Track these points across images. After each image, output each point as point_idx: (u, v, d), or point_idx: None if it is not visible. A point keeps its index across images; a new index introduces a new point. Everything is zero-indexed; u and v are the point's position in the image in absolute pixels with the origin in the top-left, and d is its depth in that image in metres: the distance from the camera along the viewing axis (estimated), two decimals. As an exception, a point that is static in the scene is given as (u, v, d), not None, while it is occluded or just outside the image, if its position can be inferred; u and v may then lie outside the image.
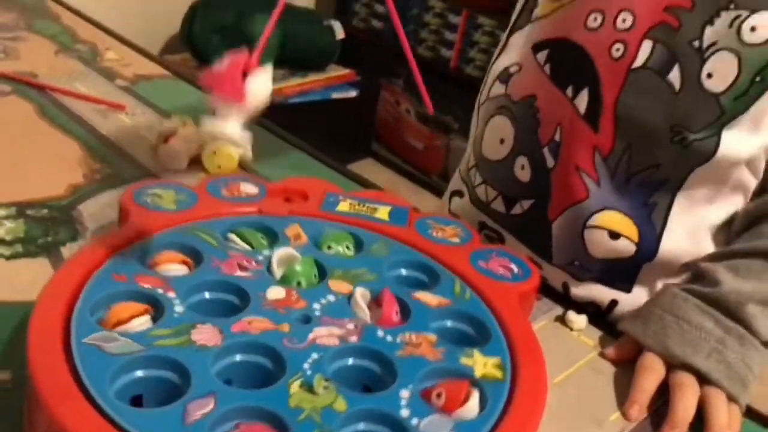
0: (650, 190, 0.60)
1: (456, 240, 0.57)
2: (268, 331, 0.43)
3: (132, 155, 0.73)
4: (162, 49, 1.91)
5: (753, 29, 0.53)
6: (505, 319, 0.48)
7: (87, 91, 0.85)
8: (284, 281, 0.48)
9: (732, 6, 0.54)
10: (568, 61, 0.61)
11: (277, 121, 0.86)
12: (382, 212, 0.59)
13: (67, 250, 0.57)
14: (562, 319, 0.60)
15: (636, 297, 0.63)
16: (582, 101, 0.60)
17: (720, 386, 0.52)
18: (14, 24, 1.03)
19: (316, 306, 0.46)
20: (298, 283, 0.49)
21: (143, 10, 1.79)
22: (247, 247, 0.52)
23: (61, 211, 0.62)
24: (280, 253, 0.50)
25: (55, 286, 0.43)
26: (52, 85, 0.85)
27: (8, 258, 0.55)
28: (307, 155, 0.81)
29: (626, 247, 0.61)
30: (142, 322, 0.42)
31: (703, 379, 0.52)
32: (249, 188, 0.59)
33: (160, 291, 0.44)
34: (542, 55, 0.63)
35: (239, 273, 0.48)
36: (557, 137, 0.61)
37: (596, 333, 0.59)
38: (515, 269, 0.55)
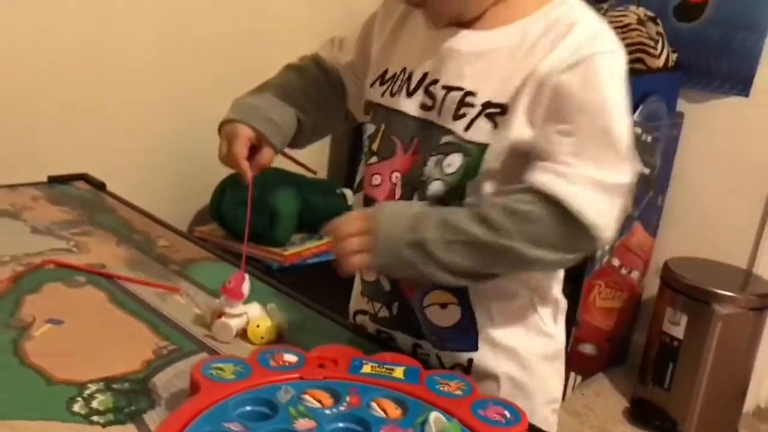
0: None
1: (459, 393, 0.70)
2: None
3: (190, 331, 0.87)
4: (192, 220, 2.10)
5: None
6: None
7: (146, 277, 1.00)
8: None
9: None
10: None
11: (298, 280, 1.01)
12: (398, 372, 0.73)
13: (149, 417, 0.69)
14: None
15: (482, 354, 0.83)
16: None
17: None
18: (79, 220, 1.21)
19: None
20: None
21: (177, 188, 1.99)
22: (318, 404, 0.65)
23: (139, 384, 0.75)
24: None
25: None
26: (118, 274, 1.00)
27: (104, 425, 0.68)
28: (328, 319, 0.95)
29: (455, 311, 0.82)
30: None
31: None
32: (290, 357, 0.73)
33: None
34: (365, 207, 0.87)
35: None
36: None
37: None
38: (508, 415, 0.67)
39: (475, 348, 0.84)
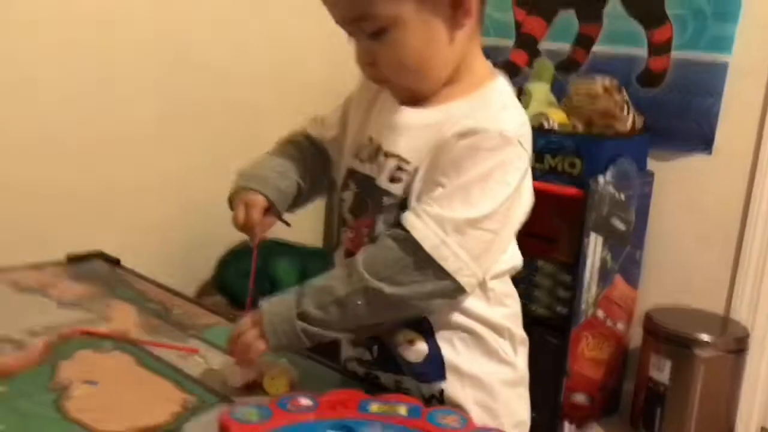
0: None
1: (456, 425, 0.79)
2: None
3: (211, 386, 0.96)
4: (198, 292, 2.19)
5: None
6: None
7: (167, 341, 1.09)
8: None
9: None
10: None
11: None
12: (402, 409, 0.82)
13: (184, 460, 0.78)
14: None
15: (450, 383, 0.92)
16: None
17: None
18: (100, 293, 1.30)
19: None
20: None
21: (181, 263, 2.09)
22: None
23: (170, 434, 0.84)
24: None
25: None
26: (142, 339, 1.09)
27: (144, 470, 0.76)
28: (326, 367, 1.04)
29: (422, 346, 0.91)
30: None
31: None
32: (306, 402, 0.82)
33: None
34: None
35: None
36: None
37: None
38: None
39: (444, 377, 0.93)
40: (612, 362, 2.31)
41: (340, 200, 1.00)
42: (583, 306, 2.09)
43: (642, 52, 2.33)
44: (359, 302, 0.85)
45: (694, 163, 2.28)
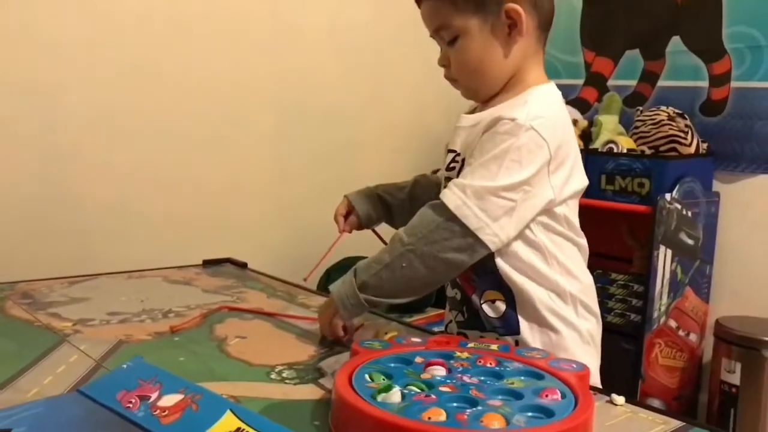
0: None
1: (538, 356, 0.95)
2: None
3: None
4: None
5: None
6: (574, 387, 0.85)
7: (295, 314, 1.30)
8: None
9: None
10: None
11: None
12: (494, 346, 0.98)
13: (323, 381, 0.96)
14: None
15: (523, 337, 1.08)
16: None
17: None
18: (234, 285, 1.52)
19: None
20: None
21: (294, 275, 2.31)
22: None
23: (312, 365, 1.02)
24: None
25: (342, 373, 0.83)
26: (276, 312, 1.30)
27: (294, 384, 0.95)
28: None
29: (501, 305, 1.08)
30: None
31: None
32: (417, 340, 1.00)
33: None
34: None
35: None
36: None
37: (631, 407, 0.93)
38: (574, 366, 0.92)
39: (518, 332, 1.08)
40: (686, 372, 2.38)
41: None
42: (655, 314, 2.20)
43: (703, 84, 2.46)
44: (403, 264, 1.01)
45: (758, 182, 2.37)
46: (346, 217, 1.30)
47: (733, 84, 2.38)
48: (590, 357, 1.12)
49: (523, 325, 1.09)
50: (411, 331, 1.23)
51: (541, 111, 1.04)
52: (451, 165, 1.11)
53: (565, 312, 1.10)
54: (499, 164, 1.00)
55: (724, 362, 2.15)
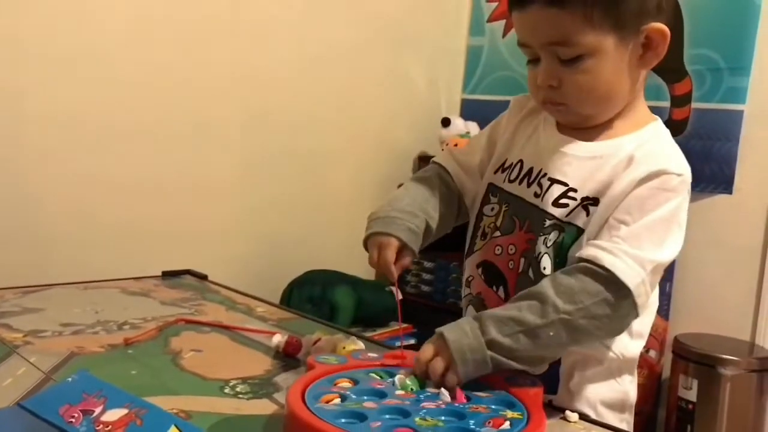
0: None
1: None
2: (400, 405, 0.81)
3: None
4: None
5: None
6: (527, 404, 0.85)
7: (253, 327, 1.28)
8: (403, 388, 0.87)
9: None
10: (490, 272, 1.03)
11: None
12: (450, 362, 0.98)
13: (277, 395, 0.95)
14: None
15: (559, 397, 0.98)
16: (500, 293, 1.01)
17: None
18: (193, 297, 1.50)
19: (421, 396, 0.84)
20: (411, 389, 0.87)
21: (257, 288, 2.29)
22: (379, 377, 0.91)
23: (266, 379, 1.01)
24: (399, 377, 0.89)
25: (294, 390, 0.82)
26: (233, 326, 1.28)
27: (248, 399, 0.93)
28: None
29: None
30: (336, 402, 0.80)
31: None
32: (373, 355, 0.99)
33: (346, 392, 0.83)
34: (480, 270, 1.05)
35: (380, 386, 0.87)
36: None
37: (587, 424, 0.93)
38: (528, 382, 0.92)
39: (555, 392, 0.97)
40: (646, 388, 2.40)
41: (480, 213, 1.06)
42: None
43: (665, 104, 2.50)
44: (551, 333, 0.86)
45: (716, 202, 2.41)
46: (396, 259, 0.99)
47: (694, 105, 2.43)
48: (624, 425, 1.02)
49: (565, 387, 0.98)
50: (370, 347, 1.22)
51: (684, 160, 0.95)
52: (562, 201, 0.95)
53: (620, 379, 1.01)
54: (666, 229, 0.90)
55: (681, 379, 2.17)
